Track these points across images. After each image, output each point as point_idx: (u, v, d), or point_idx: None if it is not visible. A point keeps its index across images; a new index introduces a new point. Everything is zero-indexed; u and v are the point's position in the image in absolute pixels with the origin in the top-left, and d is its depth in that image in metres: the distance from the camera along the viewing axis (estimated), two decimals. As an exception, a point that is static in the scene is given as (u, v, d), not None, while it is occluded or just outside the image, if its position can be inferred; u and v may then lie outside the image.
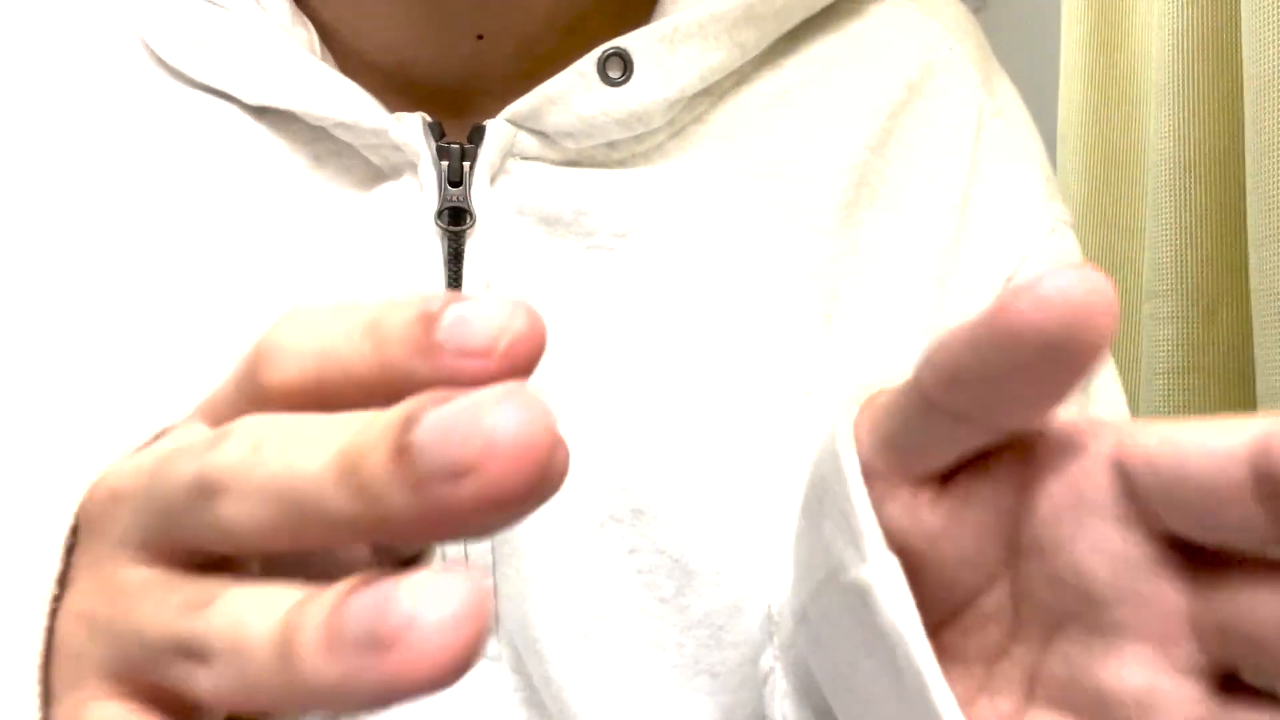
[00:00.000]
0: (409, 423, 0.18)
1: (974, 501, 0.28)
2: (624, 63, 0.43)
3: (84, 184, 0.45)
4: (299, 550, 0.20)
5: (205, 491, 0.20)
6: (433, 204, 0.42)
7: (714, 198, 0.44)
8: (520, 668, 0.45)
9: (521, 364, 0.20)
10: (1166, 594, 0.25)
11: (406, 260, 0.43)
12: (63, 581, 0.23)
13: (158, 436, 0.25)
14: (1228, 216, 0.86)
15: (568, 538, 0.43)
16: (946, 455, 0.27)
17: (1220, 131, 0.86)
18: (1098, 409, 0.47)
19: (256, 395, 0.22)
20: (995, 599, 0.28)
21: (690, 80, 0.43)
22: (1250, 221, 0.78)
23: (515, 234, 0.43)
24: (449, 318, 0.20)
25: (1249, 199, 0.78)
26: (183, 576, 0.22)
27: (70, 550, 0.24)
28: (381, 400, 0.19)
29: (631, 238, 0.44)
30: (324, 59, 0.44)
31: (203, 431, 0.23)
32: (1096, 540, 0.26)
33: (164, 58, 0.45)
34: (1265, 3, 0.74)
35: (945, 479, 0.28)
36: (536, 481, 0.17)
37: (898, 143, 0.47)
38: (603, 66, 0.42)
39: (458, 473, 0.17)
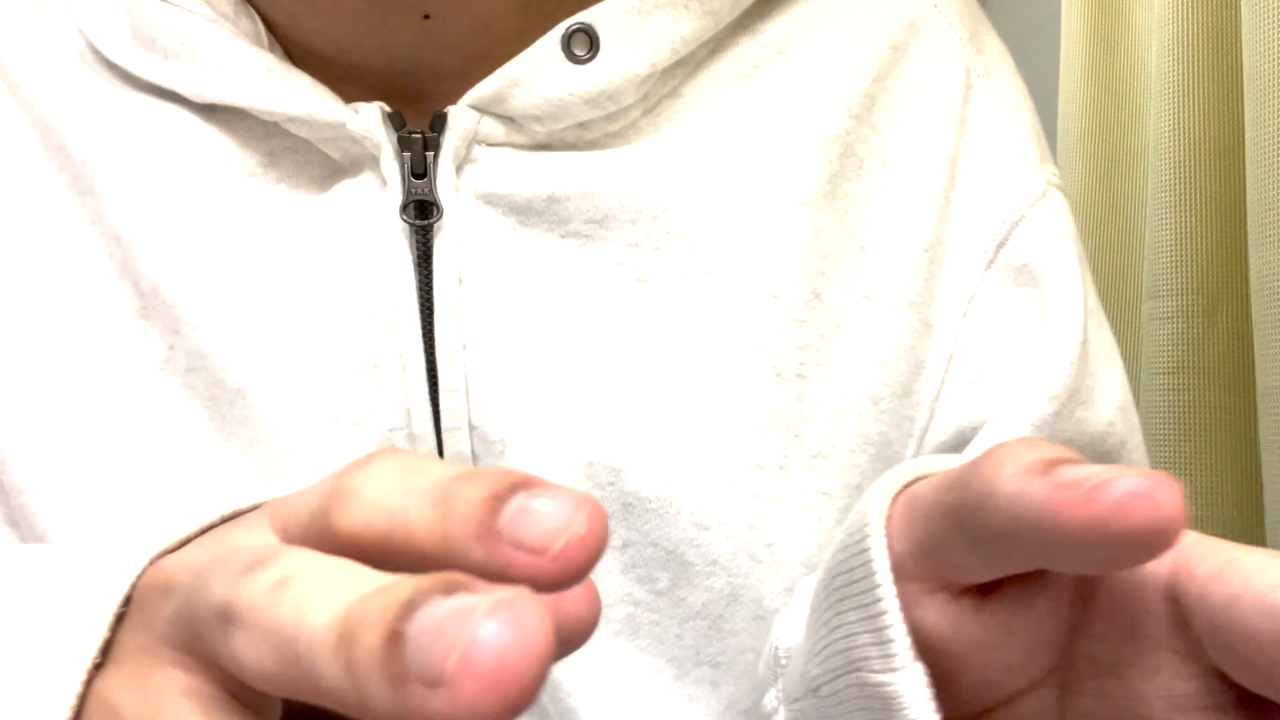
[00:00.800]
0: (408, 609, 0.17)
1: (1024, 613, 0.26)
2: (589, 38, 0.40)
3: (30, 196, 0.44)
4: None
5: (225, 616, 0.19)
6: (397, 198, 0.41)
7: (692, 176, 0.42)
8: None
9: (573, 568, 0.19)
10: None
11: (373, 259, 0.41)
12: (105, 651, 0.23)
13: (225, 519, 0.25)
14: (1228, 216, 0.86)
15: None
16: (989, 573, 0.25)
17: (1220, 131, 0.86)
18: (1101, 408, 0.47)
19: (325, 531, 0.21)
20: (1040, 702, 0.27)
21: (661, 54, 0.41)
22: (1250, 221, 0.78)
23: (485, 225, 0.42)
24: (512, 507, 0.19)
25: (1249, 199, 0.78)
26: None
27: (119, 621, 0.23)
28: (439, 569, 0.19)
29: (607, 224, 0.42)
30: (271, 51, 0.43)
31: (260, 537, 0.23)
32: (1150, 669, 0.24)
33: (109, 56, 0.44)
34: (1265, 3, 0.74)
35: (990, 586, 0.26)
36: (512, 701, 0.16)
37: (883, 107, 0.45)
38: (567, 43, 0.40)
39: (433, 682, 0.16)
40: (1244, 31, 0.77)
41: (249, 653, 0.19)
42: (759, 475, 0.43)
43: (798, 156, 0.43)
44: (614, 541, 0.42)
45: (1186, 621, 0.24)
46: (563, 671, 0.43)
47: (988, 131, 0.46)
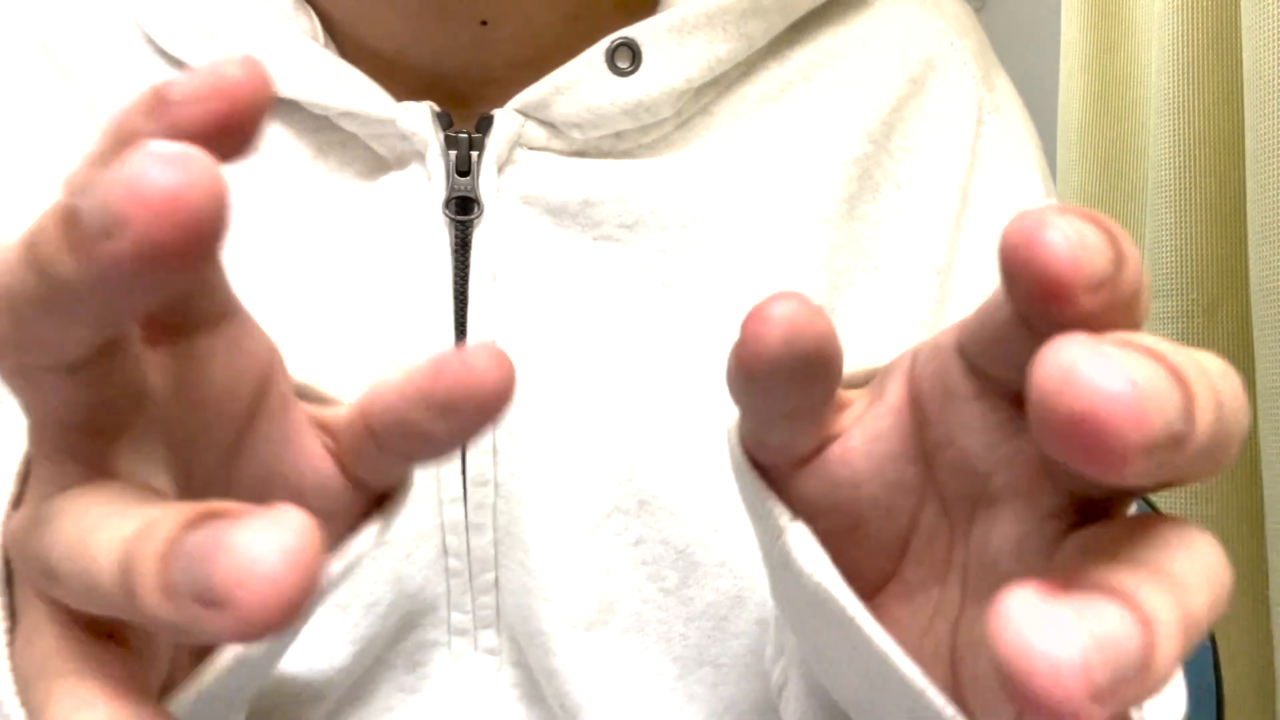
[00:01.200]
0: (73, 192, 0.18)
1: (876, 438, 0.27)
2: (632, 53, 0.43)
3: None
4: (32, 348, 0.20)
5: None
6: (440, 193, 0.42)
7: (719, 189, 0.44)
8: (520, 661, 0.45)
9: (185, 126, 0.20)
10: (1025, 447, 0.25)
11: (413, 250, 0.43)
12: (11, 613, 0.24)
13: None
14: (1228, 216, 0.86)
15: (573, 529, 0.43)
16: (812, 441, 0.27)
17: (1220, 131, 0.86)
18: None
19: None
20: (930, 514, 0.28)
21: (698, 71, 0.43)
22: (1250, 221, 0.78)
23: (522, 224, 0.43)
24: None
25: (1249, 198, 0.78)
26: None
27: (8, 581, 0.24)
28: None
29: (638, 229, 0.44)
30: (326, 47, 0.44)
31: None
32: (966, 421, 0.26)
33: (164, 47, 0.45)
34: (1265, 3, 0.74)
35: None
36: (191, 230, 0.17)
37: (900, 136, 0.47)
38: (611, 56, 0.42)
39: (111, 230, 0.17)
40: (1244, 31, 0.78)
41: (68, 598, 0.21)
42: None
43: (819, 176, 0.45)
44: (628, 538, 0.43)
45: (971, 363, 0.25)
46: (566, 663, 0.43)
47: (996, 165, 0.48)
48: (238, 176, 0.43)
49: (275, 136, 0.44)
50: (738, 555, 0.43)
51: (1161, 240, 0.89)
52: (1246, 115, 0.78)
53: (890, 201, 0.47)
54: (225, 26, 0.44)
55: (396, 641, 0.45)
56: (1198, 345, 0.90)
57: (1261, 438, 0.78)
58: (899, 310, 0.46)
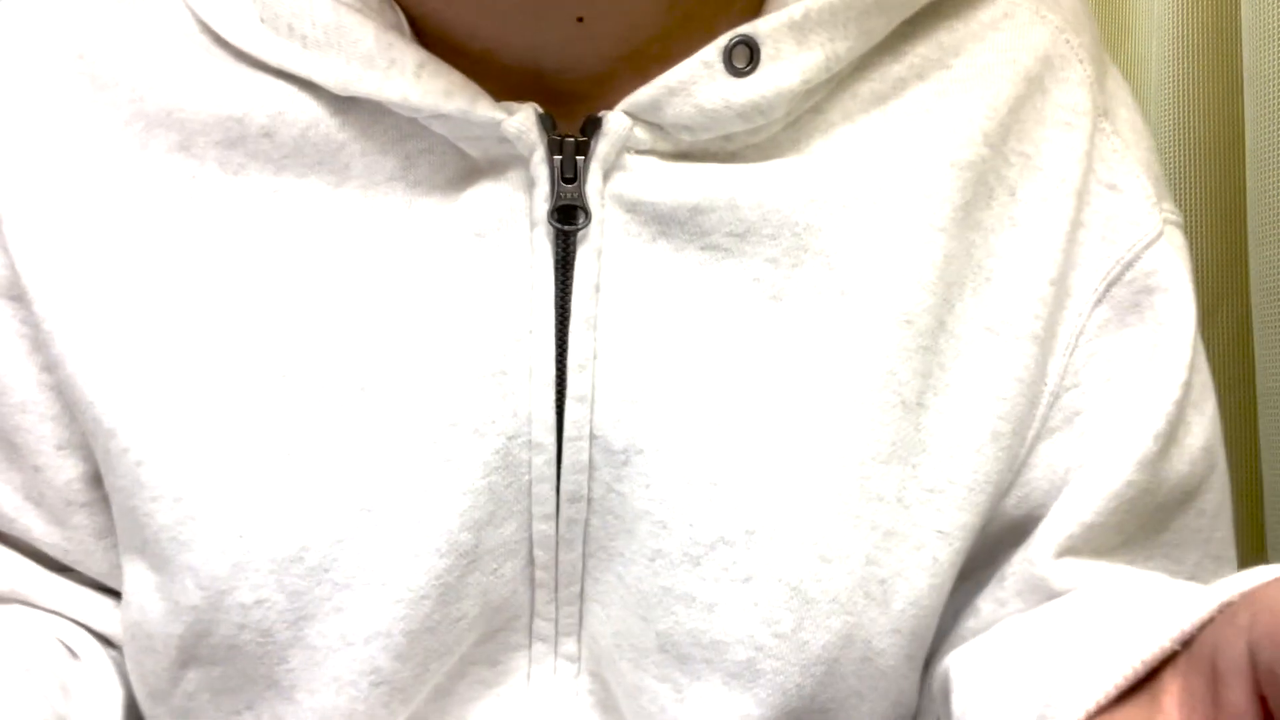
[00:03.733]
0: None
1: None
2: (750, 51, 0.40)
3: (154, 198, 0.43)
4: None
5: None
6: (544, 201, 0.40)
7: (831, 195, 0.42)
8: (597, 672, 0.44)
9: None
10: None
11: (513, 258, 0.41)
12: None
13: None
14: (1228, 216, 0.85)
15: (674, 556, 0.41)
16: None
17: (1220, 131, 0.86)
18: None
19: None
20: None
21: (817, 70, 0.41)
22: (1250, 222, 0.78)
23: (627, 232, 0.41)
24: None
25: (1249, 199, 0.78)
26: None
27: None
28: None
29: (748, 238, 0.42)
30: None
31: None
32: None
33: (229, 39, 0.43)
34: (1265, 3, 0.74)
35: None
36: None
37: (1015, 139, 0.45)
38: (728, 55, 0.40)
39: None
40: (1244, 31, 0.77)
41: None
42: (879, 507, 0.42)
43: (934, 180, 0.43)
44: (737, 574, 0.41)
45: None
46: (654, 684, 0.42)
47: (1109, 171, 0.46)
48: (325, 202, 0.42)
49: (361, 153, 0.42)
50: (848, 590, 0.41)
51: (1161, 240, 0.88)
52: (1246, 115, 0.78)
53: (1003, 209, 0.44)
54: (308, 20, 0.41)
55: (481, 644, 0.45)
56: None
57: (1261, 437, 0.78)
58: (1012, 324, 0.44)
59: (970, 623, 0.46)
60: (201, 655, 0.43)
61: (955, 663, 0.43)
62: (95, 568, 0.48)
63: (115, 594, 0.49)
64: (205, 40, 0.43)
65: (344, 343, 0.42)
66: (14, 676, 0.43)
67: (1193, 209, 0.87)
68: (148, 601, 0.44)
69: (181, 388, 0.43)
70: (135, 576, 0.44)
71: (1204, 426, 0.46)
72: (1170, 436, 0.44)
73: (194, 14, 0.44)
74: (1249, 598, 0.29)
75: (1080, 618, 0.38)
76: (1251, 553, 0.86)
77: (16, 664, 0.43)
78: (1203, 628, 0.30)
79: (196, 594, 0.42)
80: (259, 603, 0.41)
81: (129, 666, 0.46)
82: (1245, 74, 0.77)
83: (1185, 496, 0.45)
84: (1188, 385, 0.45)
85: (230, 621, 0.42)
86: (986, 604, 0.45)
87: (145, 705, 0.46)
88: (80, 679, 0.46)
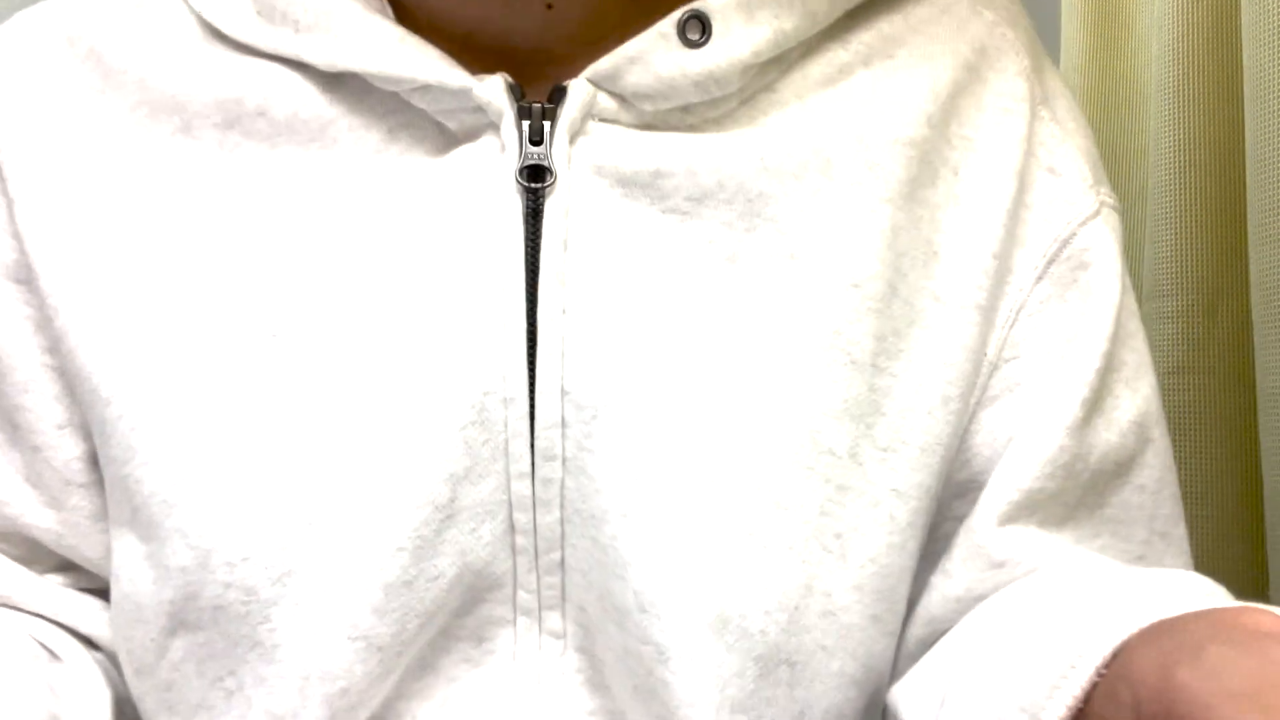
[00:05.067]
0: None
1: None
2: (702, 25, 0.43)
3: (157, 177, 0.46)
4: None
5: None
6: (514, 162, 0.43)
7: (784, 165, 0.45)
8: (585, 647, 0.46)
9: None
10: None
11: (487, 218, 0.44)
12: None
13: None
14: (1228, 216, 0.86)
15: (646, 505, 0.43)
16: None
17: (1220, 131, 0.86)
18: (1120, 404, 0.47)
19: None
20: None
21: (765, 44, 0.44)
22: (1250, 221, 0.78)
23: (593, 193, 0.44)
24: None
25: (1249, 198, 0.78)
26: None
27: None
28: None
29: (705, 202, 0.44)
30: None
31: None
32: None
33: (229, 33, 0.46)
34: (1265, 3, 0.74)
35: None
36: None
37: (956, 123, 0.48)
38: (682, 28, 0.43)
39: None
40: (1244, 31, 0.77)
41: None
42: (831, 460, 0.44)
43: (881, 156, 0.46)
44: (700, 524, 0.43)
45: None
46: (640, 645, 0.43)
47: (1049, 155, 0.49)
48: (315, 173, 0.45)
49: (348, 128, 0.45)
50: (803, 539, 0.43)
51: (1161, 240, 0.88)
52: (1246, 115, 0.78)
53: (948, 187, 0.47)
54: (299, 6, 0.44)
55: (463, 614, 0.46)
56: (1198, 345, 0.90)
57: (1262, 438, 0.78)
58: (957, 294, 0.46)
59: (925, 598, 0.48)
60: (189, 620, 0.44)
61: (896, 698, 0.46)
62: (88, 552, 0.49)
63: (100, 594, 0.50)
64: (204, 34, 0.47)
65: (330, 302, 0.44)
66: (8, 675, 0.43)
67: (1193, 209, 0.87)
68: (137, 572, 0.45)
69: (174, 353, 0.45)
70: (125, 549, 0.46)
71: (1134, 401, 0.48)
72: (1095, 405, 0.47)
73: (194, 12, 0.47)
74: (1125, 675, 0.32)
75: (979, 685, 0.40)
76: (1251, 553, 0.86)
77: (8, 663, 0.44)
78: (1086, 696, 0.33)
79: (185, 554, 0.43)
80: (244, 560, 0.43)
81: (119, 644, 0.47)
82: (1245, 74, 0.78)
83: (1118, 469, 0.48)
84: (1109, 355, 0.47)
85: (216, 581, 0.43)
86: (937, 576, 0.48)
87: (133, 684, 0.47)
88: (64, 680, 0.47)
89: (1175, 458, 0.87)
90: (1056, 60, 1.05)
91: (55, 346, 0.47)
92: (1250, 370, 0.80)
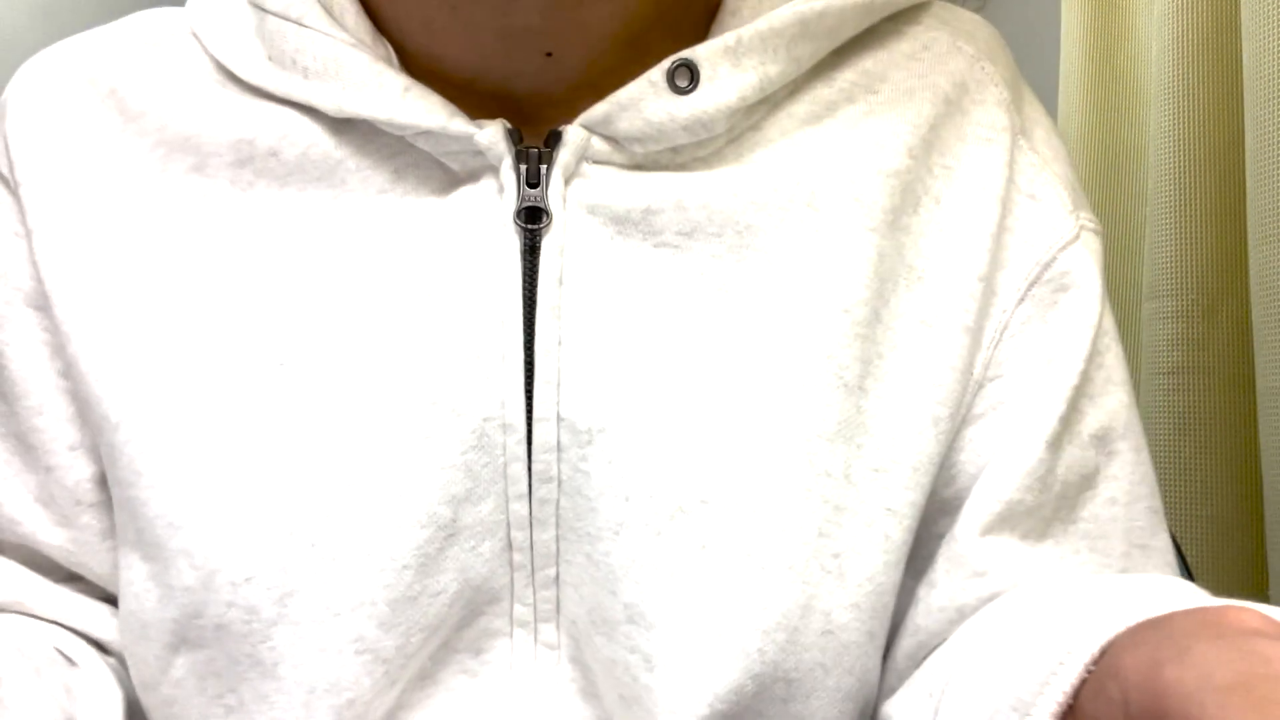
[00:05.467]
0: None
1: None
2: (690, 73, 0.45)
3: (172, 213, 0.48)
4: None
5: None
6: (511, 204, 0.45)
7: (770, 199, 0.46)
8: (578, 658, 0.47)
9: None
10: None
11: (486, 255, 0.45)
12: None
13: None
14: (1228, 216, 0.86)
15: (638, 528, 0.44)
16: None
17: (1220, 132, 0.86)
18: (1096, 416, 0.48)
19: None
20: None
21: (751, 90, 0.46)
22: (1250, 221, 0.78)
23: (587, 231, 0.46)
24: None
25: (1249, 199, 0.78)
26: None
27: None
28: None
29: (695, 236, 0.46)
30: (401, 74, 0.47)
31: None
32: None
33: (243, 76, 0.48)
34: (1265, 3, 0.74)
35: None
36: None
37: (937, 153, 0.49)
38: (671, 76, 0.45)
39: None
40: (1244, 31, 0.78)
41: None
42: (828, 482, 0.45)
43: (864, 187, 0.47)
44: (695, 542, 0.44)
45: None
46: (630, 656, 0.44)
47: (1029, 183, 0.50)
48: (324, 211, 0.47)
49: (355, 169, 0.47)
50: (803, 560, 0.44)
51: (1161, 240, 0.89)
52: (1246, 114, 0.78)
53: (930, 214, 0.49)
54: (309, 54, 0.47)
55: (462, 627, 0.47)
56: (1198, 345, 0.90)
57: (1262, 438, 0.78)
58: (944, 316, 0.48)
59: (911, 610, 0.49)
60: (191, 638, 0.45)
61: (890, 711, 0.47)
62: (97, 569, 0.51)
63: (110, 601, 0.52)
64: (220, 78, 0.49)
65: (336, 332, 0.46)
66: (25, 677, 0.45)
67: (1193, 209, 0.87)
68: (142, 590, 0.46)
69: (182, 380, 0.46)
70: (130, 568, 0.47)
71: (1096, 416, 0.50)
72: (1067, 420, 0.48)
73: (210, 56, 0.49)
74: (1113, 672, 0.32)
75: (967, 690, 0.41)
76: (1251, 552, 0.86)
77: (26, 666, 0.45)
78: (1076, 692, 0.34)
79: (189, 575, 0.45)
80: (247, 580, 0.44)
81: (127, 658, 0.48)
82: (1245, 74, 0.78)
83: (1083, 481, 0.49)
84: (1084, 374, 0.49)
85: (220, 600, 0.44)
86: (922, 588, 0.49)
87: (140, 696, 0.49)
88: (79, 683, 0.48)
89: (1175, 456, 0.88)
90: (1056, 61, 1.05)
91: (68, 371, 0.48)
92: (1250, 370, 0.80)
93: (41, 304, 0.49)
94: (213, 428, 0.45)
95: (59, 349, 0.48)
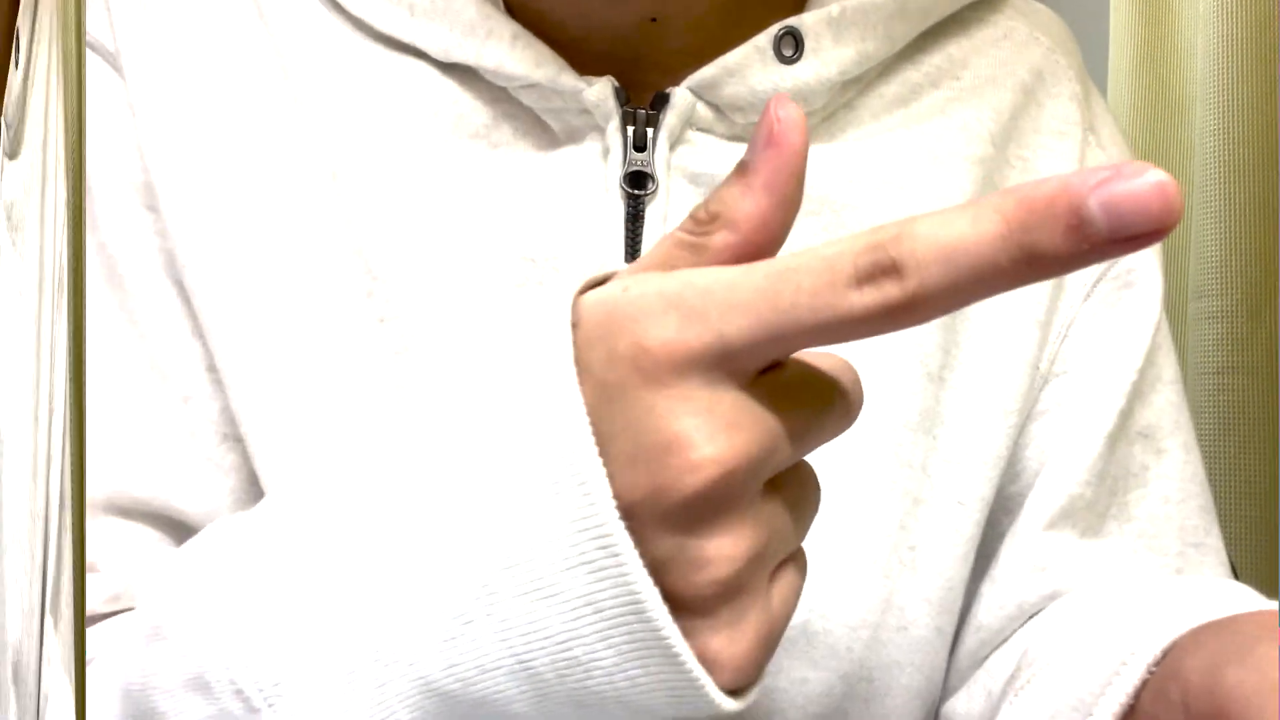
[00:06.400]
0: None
1: None
2: (795, 42, 0.45)
3: (276, 137, 0.46)
4: None
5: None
6: (618, 168, 0.44)
7: (865, 178, 0.46)
8: None
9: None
10: None
11: (589, 220, 0.44)
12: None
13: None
14: (1272, 216, 0.86)
15: None
16: None
17: (1265, 131, 0.86)
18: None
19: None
20: None
21: (851, 64, 0.45)
22: (1296, 221, 0.78)
23: (689, 201, 0.45)
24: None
25: (1295, 199, 0.78)
26: None
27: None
28: None
29: None
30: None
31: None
32: None
33: (350, 9, 0.46)
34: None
35: None
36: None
37: (1015, 144, 0.49)
38: (778, 44, 0.44)
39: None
40: (1292, 33, 0.78)
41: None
42: (909, 474, 0.45)
43: (950, 171, 0.47)
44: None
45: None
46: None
47: None
48: (417, 152, 0.45)
49: (457, 102, 0.45)
50: (885, 552, 0.44)
51: (1206, 239, 0.89)
52: (1293, 116, 0.78)
53: None
54: None
55: None
56: (1242, 345, 0.90)
57: (1306, 437, 0.78)
58: (1018, 310, 0.48)
59: (975, 607, 0.49)
60: None
61: (951, 710, 0.47)
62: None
63: None
64: (330, 9, 0.47)
65: (432, 289, 0.44)
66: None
67: (1238, 209, 0.87)
68: None
69: (280, 326, 0.44)
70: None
71: (1146, 413, 0.50)
72: (1124, 416, 0.48)
73: None
74: (1174, 673, 0.32)
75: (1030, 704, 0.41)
76: (1264, 552, 0.86)
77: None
78: (1137, 694, 0.34)
79: None
80: None
81: None
82: (1293, 75, 0.78)
83: (1133, 479, 0.49)
84: (1142, 370, 0.49)
85: None
86: (984, 585, 0.49)
87: None
88: None
89: (1220, 455, 0.87)
90: (1105, 62, 1.05)
91: (182, 284, 0.46)
92: (1295, 370, 0.80)
93: (152, 202, 0.46)
94: (308, 384, 0.44)
95: (171, 257, 0.45)
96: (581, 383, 0.26)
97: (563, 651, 0.27)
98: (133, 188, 0.46)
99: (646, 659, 0.26)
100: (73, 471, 0.59)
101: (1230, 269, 0.87)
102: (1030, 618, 0.47)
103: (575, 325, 0.27)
